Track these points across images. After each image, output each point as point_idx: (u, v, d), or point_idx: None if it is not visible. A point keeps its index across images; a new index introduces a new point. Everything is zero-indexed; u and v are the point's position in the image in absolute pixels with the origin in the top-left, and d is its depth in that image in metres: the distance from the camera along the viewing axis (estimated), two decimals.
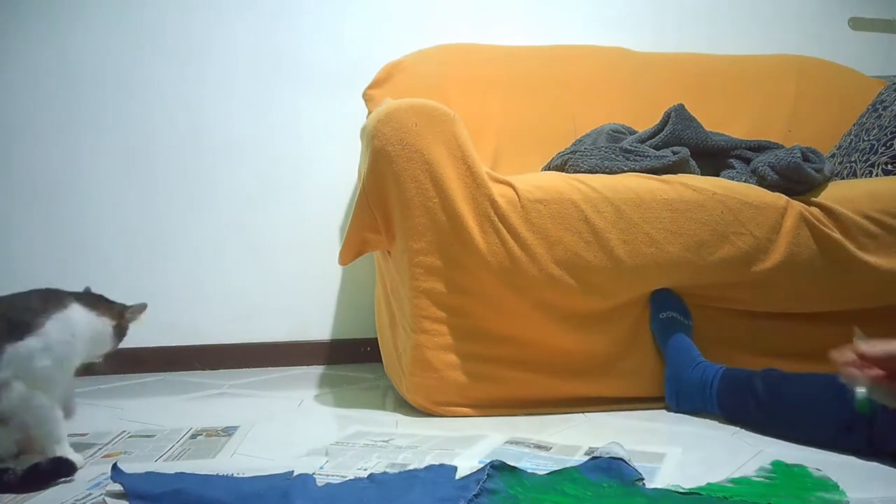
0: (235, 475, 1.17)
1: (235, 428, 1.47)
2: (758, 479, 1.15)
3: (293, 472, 1.15)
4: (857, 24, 2.60)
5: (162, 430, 1.46)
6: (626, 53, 2.34)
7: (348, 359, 2.25)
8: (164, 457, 1.30)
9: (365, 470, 1.18)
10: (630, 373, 1.64)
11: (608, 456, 1.19)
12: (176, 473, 1.15)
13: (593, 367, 1.62)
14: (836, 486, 1.13)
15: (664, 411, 1.60)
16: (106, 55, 2.17)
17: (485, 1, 2.39)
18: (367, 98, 2.08)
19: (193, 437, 1.42)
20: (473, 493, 1.05)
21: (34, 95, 2.13)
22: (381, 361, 1.92)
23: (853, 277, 1.64)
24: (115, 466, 1.16)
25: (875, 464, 1.23)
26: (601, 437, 1.36)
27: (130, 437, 1.42)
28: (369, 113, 1.97)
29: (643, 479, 1.13)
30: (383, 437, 1.40)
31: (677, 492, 1.07)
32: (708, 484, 1.11)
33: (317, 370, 2.17)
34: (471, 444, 1.34)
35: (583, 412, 1.59)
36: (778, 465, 1.21)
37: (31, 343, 1.16)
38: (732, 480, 1.14)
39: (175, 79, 2.20)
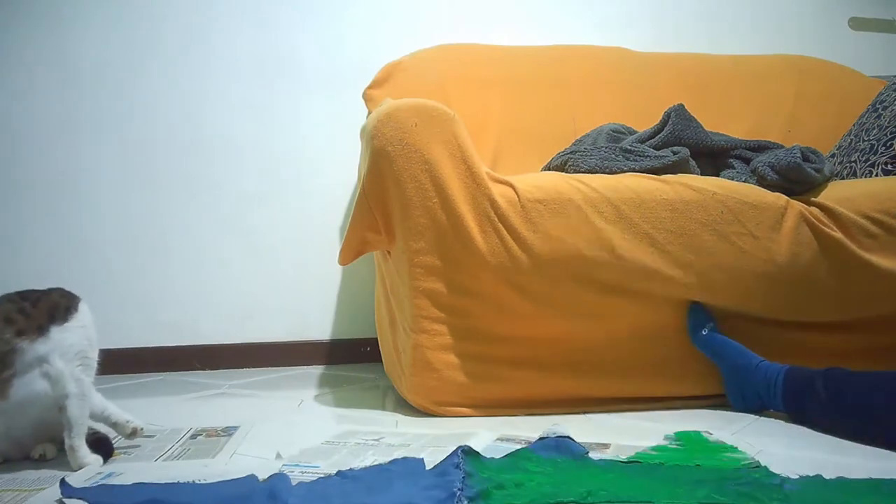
0: (197, 482, 1.12)
1: (235, 428, 1.47)
2: (672, 447, 1.31)
3: (254, 475, 1.12)
4: (857, 24, 2.60)
5: (162, 430, 1.46)
6: (626, 53, 2.34)
7: (348, 359, 2.25)
8: (164, 457, 1.30)
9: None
10: (631, 372, 1.64)
11: (555, 436, 1.28)
12: (134, 484, 1.10)
13: (593, 367, 1.62)
14: (735, 448, 1.28)
15: (664, 411, 1.60)
16: (106, 55, 2.17)
17: (485, 1, 2.39)
18: (367, 98, 2.08)
19: (193, 437, 1.42)
20: (460, 476, 1.08)
21: (34, 95, 2.13)
22: (381, 361, 1.92)
23: (854, 277, 1.64)
24: (63, 481, 1.09)
25: None
26: (601, 437, 1.37)
27: None
28: (369, 113, 1.97)
29: (588, 452, 1.24)
30: (382, 436, 1.40)
31: (621, 461, 1.21)
32: (637, 453, 1.25)
33: (317, 370, 2.17)
34: (463, 441, 1.34)
35: (583, 412, 1.60)
36: (680, 434, 1.37)
37: (72, 324, 1.26)
38: (654, 448, 1.29)
39: (175, 78, 2.20)
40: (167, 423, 1.51)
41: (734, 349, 1.60)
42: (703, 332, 1.62)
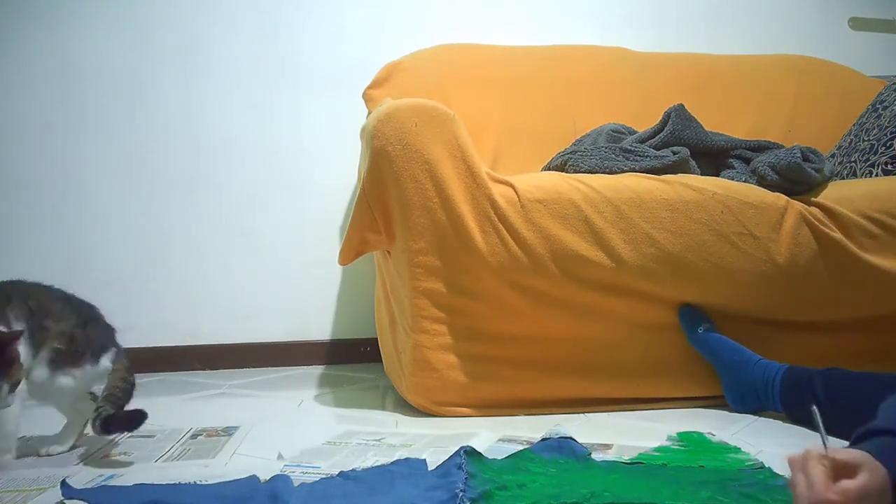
0: (198, 482, 1.13)
1: (235, 428, 1.47)
2: (675, 447, 1.31)
3: (256, 476, 1.12)
4: (857, 24, 2.60)
5: (162, 430, 1.46)
6: (627, 53, 2.33)
7: (348, 359, 2.24)
8: (165, 457, 1.30)
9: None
10: (631, 373, 1.64)
11: (558, 436, 1.28)
12: (135, 485, 1.11)
13: (593, 367, 1.62)
14: (738, 449, 1.29)
15: (664, 411, 1.60)
16: (106, 55, 2.17)
17: (485, 1, 2.39)
18: (367, 98, 2.08)
19: (193, 437, 1.42)
20: (462, 477, 1.08)
21: (34, 95, 2.13)
22: (381, 361, 1.92)
23: (854, 277, 1.64)
24: (63, 483, 1.10)
25: None
26: (603, 438, 1.37)
27: (130, 437, 1.41)
28: (369, 113, 1.97)
29: (590, 453, 1.25)
30: (383, 437, 1.40)
31: (623, 462, 1.21)
32: (640, 455, 1.25)
33: (317, 370, 2.17)
34: (464, 441, 1.34)
35: (583, 412, 1.60)
36: (682, 435, 1.38)
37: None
38: (657, 449, 1.29)
39: (175, 78, 2.20)
40: (167, 423, 1.51)
41: (730, 347, 1.59)
42: (700, 331, 1.62)
